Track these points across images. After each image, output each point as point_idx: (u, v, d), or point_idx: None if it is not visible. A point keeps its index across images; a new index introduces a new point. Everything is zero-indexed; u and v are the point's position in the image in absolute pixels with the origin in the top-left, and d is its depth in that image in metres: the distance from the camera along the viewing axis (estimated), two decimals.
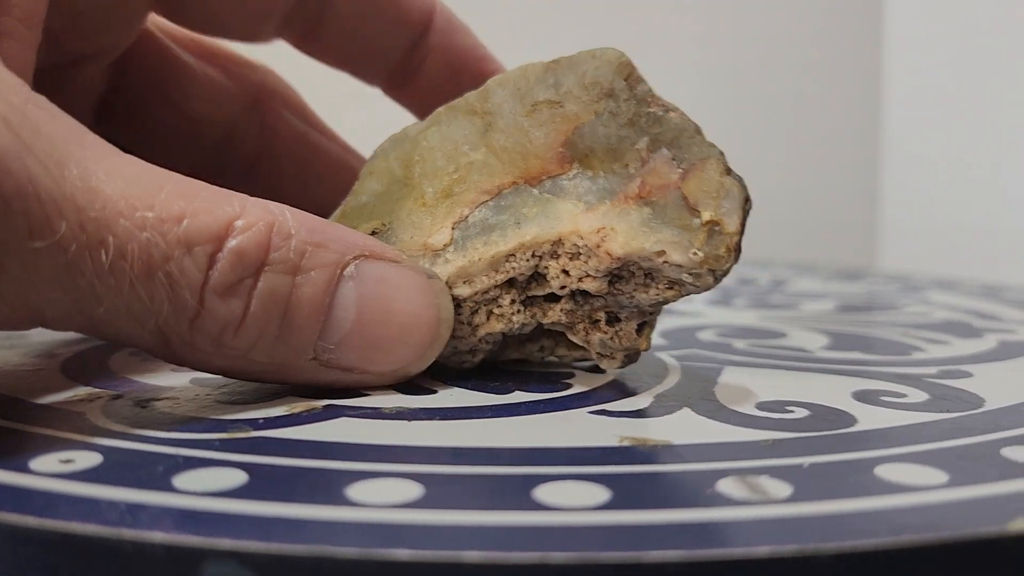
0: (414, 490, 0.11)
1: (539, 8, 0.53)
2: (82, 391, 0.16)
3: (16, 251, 0.11)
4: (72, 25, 0.16)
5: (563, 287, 0.16)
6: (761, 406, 0.15)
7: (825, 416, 0.14)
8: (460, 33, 0.21)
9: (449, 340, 0.16)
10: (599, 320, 0.16)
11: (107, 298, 0.12)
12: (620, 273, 0.15)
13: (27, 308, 0.12)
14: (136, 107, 0.18)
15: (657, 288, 0.15)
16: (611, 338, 0.16)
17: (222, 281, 0.13)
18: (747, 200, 0.15)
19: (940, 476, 0.11)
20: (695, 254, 0.14)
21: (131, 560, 0.10)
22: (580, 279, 0.15)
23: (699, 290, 0.15)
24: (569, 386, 0.16)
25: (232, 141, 0.21)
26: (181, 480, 0.11)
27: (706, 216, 0.15)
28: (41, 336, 0.22)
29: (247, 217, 0.13)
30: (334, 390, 0.16)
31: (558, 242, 0.15)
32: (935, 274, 0.38)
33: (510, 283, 0.16)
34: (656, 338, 0.22)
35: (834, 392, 0.16)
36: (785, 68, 0.54)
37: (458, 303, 0.16)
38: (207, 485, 0.11)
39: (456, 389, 0.16)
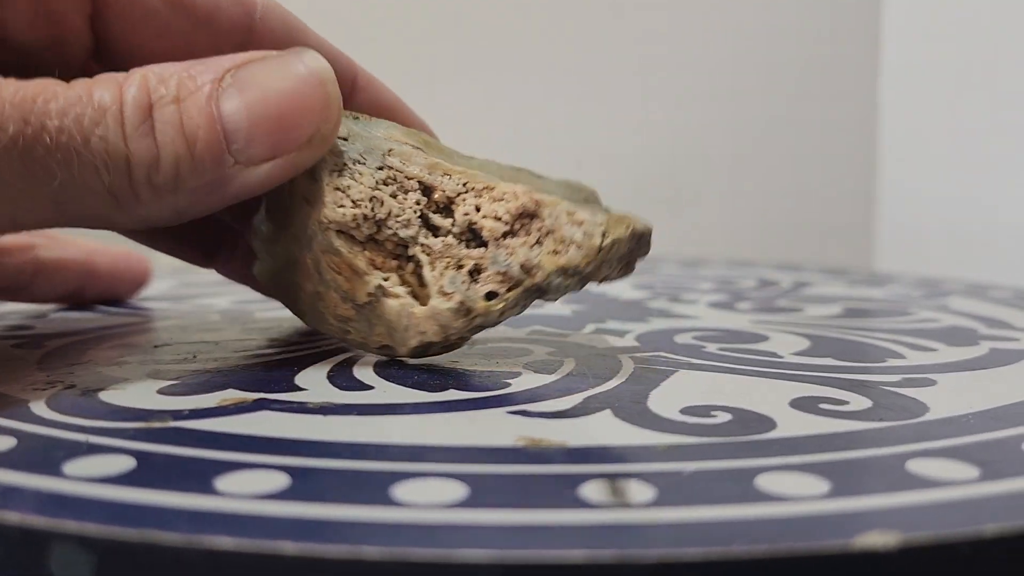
0: (281, 481, 0.11)
1: (542, 5, 0.53)
2: (43, 381, 0.17)
3: None
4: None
5: (465, 215, 0.17)
6: (685, 410, 0.15)
7: (745, 422, 0.14)
8: (384, 88, 0.21)
9: (349, 163, 0.17)
10: (464, 266, 0.17)
11: (60, 170, 0.14)
12: (517, 230, 0.16)
13: (3, 207, 0.14)
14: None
15: (543, 249, 0.16)
16: (463, 282, 0.17)
17: (133, 127, 0.15)
18: (648, 235, 0.17)
19: (822, 486, 0.11)
20: (600, 216, 0.16)
21: None
22: (485, 216, 0.16)
23: (579, 262, 0.16)
24: (507, 385, 0.16)
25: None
26: (71, 466, 0.12)
27: (617, 212, 0.16)
28: (38, 331, 0.23)
29: (130, 77, 0.15)
30: (273, 385, 0.16)
31: (491, 188, 0.17)
32: (966, 278, 0.36)
33: (426, 193, 0.17)
34: (628, 340, 0.21)
35: (773, 398, 0.16)
36: (783, 69, 0.53)
37: (381, 166, 0.17)
38: (91, 471, 0.11)
39: (394, 386, 0.16)
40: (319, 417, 0.14)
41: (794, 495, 0.11)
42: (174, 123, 0.15)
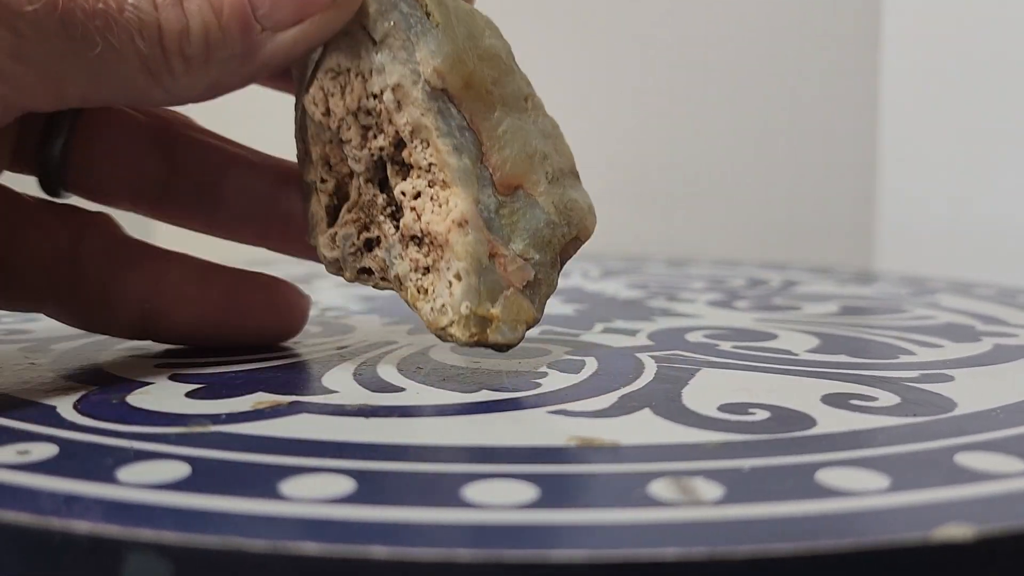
0: (347, 485, 0.11)
1: (546, 3, 0.53)
2: (64, 385, 0.16)
3: (21, 14, 0.14)
4: None
5: (402, 193, 0.16)
6: (723, 408, 0.15)
7: (785, 419, 0.14)
8: None
9: (351, 71, 0.16)
10: (367, 232, 0.17)
11: (100, 37, 0.14)
12: (422, 243, 0.16)
13: (47, 73, 0.14)
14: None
15: (418, 280, 0.16)
16: (351, 245, 0.17)
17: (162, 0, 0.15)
18: (503, 346, 0.16)
19: (882, 481, 0.11)
20: (467, 305, 0.16)
21: (61, 550, 0.10)
22: (413, 209, 0.16)
23: (425, 320, 0.16)
24: (538, 385, 0.16)
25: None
26: (125, 472, 0.11)
27: (494, 311, 0.16)
28: (41, 333, 0.22)
29: None
30: (302, 387, 0.16)
31: (447, 187, 0.16)
32: (951, 277, 0.37)
33: (398, 147, 0.16)
34: (642, 339, 0.22)
35: (804, 395, 0.16)
36: (783, 70, 0.53)
37: (376, 94, 0.16)
38: (148, 478, 0.11)
39: (425, 388, 0.16)
40: (361, 419, 0.14)
41: (858, 490, 0.11)
42: None
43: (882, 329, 0.24)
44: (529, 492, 0.11)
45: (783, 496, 0.11)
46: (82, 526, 0.10)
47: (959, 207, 0.47)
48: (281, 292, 0.21)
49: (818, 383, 0.17)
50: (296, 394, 0.16)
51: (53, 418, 0.14)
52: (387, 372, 0.18)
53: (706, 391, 0.16)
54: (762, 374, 0.18)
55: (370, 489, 0.11)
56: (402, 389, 0.16)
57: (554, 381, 0.17)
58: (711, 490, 0.11)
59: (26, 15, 0.14)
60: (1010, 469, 0.12)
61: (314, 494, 0.11)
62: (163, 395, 0.16)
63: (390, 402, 0.15)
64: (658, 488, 0.11)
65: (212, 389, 0.16)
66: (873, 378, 0.17)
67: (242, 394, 0.16)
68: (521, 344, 0.21)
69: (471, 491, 0.11)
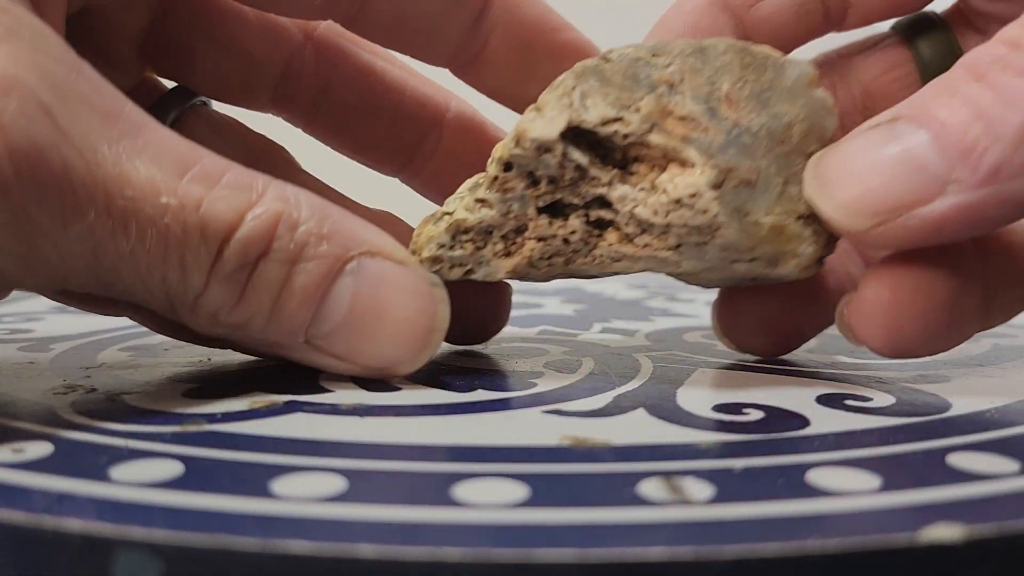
0: (338, 484, 0.11)
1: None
2: (61, 385, 0.16)
3: (49, 234, 0.12)
4: None
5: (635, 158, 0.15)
6: (717, 408, 0.15)
7: (778, 419, 0.14)
8: (525, 4, 0.19)
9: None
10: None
11: (127, 276, 0.13)
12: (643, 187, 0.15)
13: (53, 281, 0.13)
14: (184, 47, 0.18)
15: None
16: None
17: (226, 269, 0.13)
18: None
19: (873, 481, 0.11)
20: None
21: (52, 548, 0.10)
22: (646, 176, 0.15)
23: None
24: (534, 385, 0.16)
25: (289, 80, 0.20)
26: (119, 471, 0.11)
27: None
28: (41, 333, 0.22)
29: (260, 207, 0.13)
30: (299, 386, 0.16)
31: (683, 163, 0.15)
32: None
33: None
34: (639, 339, 0.22)
35: (799, 395, 0.16)
36: None
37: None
38: (141, 476, 0.11)
39: (420, 388, 0.16)
40: (355, 419, 0.14)
41: (848, 490, 0.11)
42: (272, 285, 0.14)
43: None
44: (519, 491, 0.11)
45: (773, 496, 0.11)
46: (74, 524, 0.10)
47: None
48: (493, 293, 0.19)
49: (814, 383, 0.17)
50: (292, 393, 0.16)
51: (49, 417, 0.14)
52: None
53: (701, 391, 0.16)
54: (757, 374, 0.18)
55: (361, 488, 0.11)
56: (398, 389, 0.16)
57: (550, 381, 0.17)
58: (701, 490, 0.11)
59: (54, 235, 0.12)
60: (1001, 469, 0.12)
61: (305, 493, 0.11)
62: (161, 394, 0.16)
63: (385, 402, 0.15)
64: (648, 488, 0.11)
65: (209, 388, 0.16)
66: (869, 378, 0.17)
67: (239, 393, 0.16)
68: (516, 344, 0.21)
69: (461, 490, 0.11)
